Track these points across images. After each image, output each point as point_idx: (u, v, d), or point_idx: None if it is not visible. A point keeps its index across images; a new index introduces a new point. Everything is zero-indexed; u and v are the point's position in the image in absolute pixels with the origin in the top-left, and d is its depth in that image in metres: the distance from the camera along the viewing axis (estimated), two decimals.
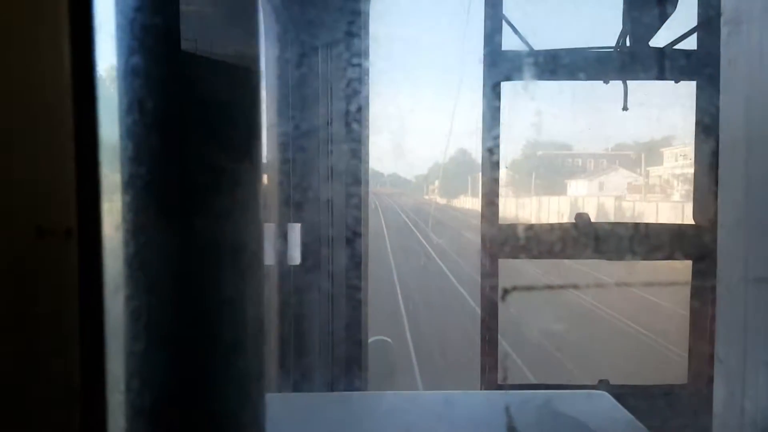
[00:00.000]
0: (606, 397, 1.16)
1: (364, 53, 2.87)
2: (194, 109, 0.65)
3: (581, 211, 2.74)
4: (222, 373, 0.67)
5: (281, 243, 2.92)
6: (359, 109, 2.95)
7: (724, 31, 0.85)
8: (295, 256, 2.91)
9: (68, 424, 0.54)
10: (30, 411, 0.52)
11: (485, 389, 2.71)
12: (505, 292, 2.62)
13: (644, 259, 2.69)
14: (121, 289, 0.58)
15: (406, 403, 1.18)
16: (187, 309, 0.66)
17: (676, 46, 2.68)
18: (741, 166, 0.80)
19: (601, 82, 2.73)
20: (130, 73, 0.60)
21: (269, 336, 2.93)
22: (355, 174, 2.98)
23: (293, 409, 1.11)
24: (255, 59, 0.67)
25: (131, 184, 0.62)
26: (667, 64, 2.61)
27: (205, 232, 0.66)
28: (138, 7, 0.62)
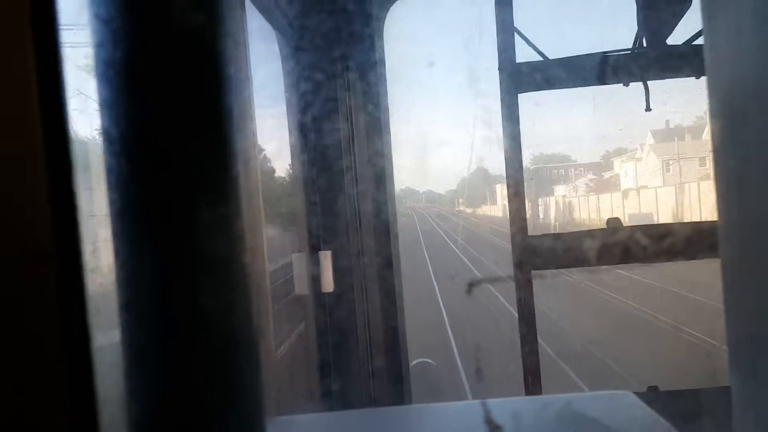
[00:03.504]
0: (631, 398, 1.12)
1: (380, 73, 2.91)
2: (173, 130, 0.67)
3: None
4: (208, 392, 0.68)
5: (314, 270, 2.95)
6: (382, 131, 2.98)
7: (703, 15, 0.83)
8: (328, 284, 2.93)
9: None
10: None
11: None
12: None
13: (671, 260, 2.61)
14: (102, 309, 0.60)
15: (423, 415, 1.17)
16: (171, 326, 0.67)
17: (695, 42, 2.63)
18: (732, 153, 0.78)
19: (621, 85, 2.69)
20: (104, 87, 0.63)
21: (269, 353, 2.94)
22: (382, 198, 3.00)
23: (313, 429, 1.11)
24: (241, 68, 0.69)
25: (112, 202, 0.64)
26: (686, 61, 2.56)
27: (190, 246, 0.68)
28: (114, 29, 0.66)
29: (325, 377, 3.06)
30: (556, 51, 2.67)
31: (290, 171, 3.17)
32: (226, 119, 0.72)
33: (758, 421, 0.73)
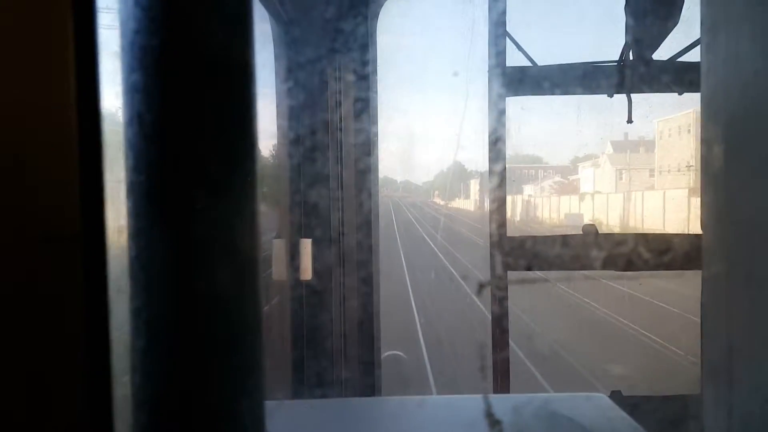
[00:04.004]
0: (605, 400, 1.17)
1: (372, 63, 2.93)
2: (191, 117, 0.69)
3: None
4: (219, 371, 0.70)
5: (293, 258, 2.96)
6: (368, 117, 3.00)
7: (703, 40, 0.87)
8: (307, 271, 2.95)
9: (77, 421, 0.58)
10: (36, 410, 0.56)
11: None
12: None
13: (653, 269, 2.69)
14: (123, 291, 0.62)
15: (405, 407, 1.20)
16: (186, 309, 0.69)
17: (680, 59, 2.71)
18: (722, 170, 0.82)
19: (605, 96, 2.76)
20: (130, 88, 0.65)
21: (277, 344, 2.96)
22: (365, 187, 3.02)
23: (296, 415, 1.14)
24: (250, 63, 0.71)
25: (132, 190, 0.66)
26: (671, 77, 2.63)
27: (202, 235, 0.70)
28: (137, 29, 0.67)
29: (298, 364, 3.09)
30: (546, 57, 2.72)
31: (275, 158, 3.17)
32: (239, 106, 0.73)
33: (732, 428, 0.78)
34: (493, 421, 1.08)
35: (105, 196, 0.59)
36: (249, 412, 0.73)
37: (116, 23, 0.66)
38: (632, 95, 2.80)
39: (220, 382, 0.69)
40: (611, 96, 2.80)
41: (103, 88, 0.59)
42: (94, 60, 0.58)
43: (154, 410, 0.67)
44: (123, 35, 0.66)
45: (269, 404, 0.76)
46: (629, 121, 2.84)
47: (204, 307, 0.69)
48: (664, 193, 24.11)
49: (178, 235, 0.68)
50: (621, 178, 34.90)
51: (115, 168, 0.63)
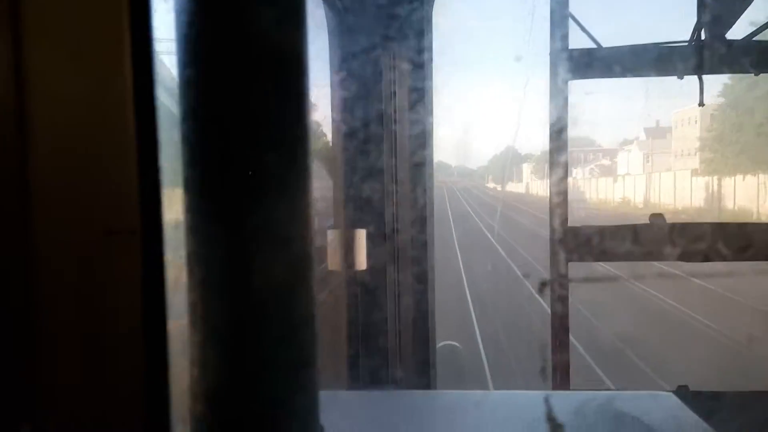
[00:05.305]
0: (673, 399, 1.11)
1: (428, 50, 2.88)
2: (245, 110, 0.69)
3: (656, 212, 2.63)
4: (274, 363, 0.70)
5: (347, 248, 2.98)
6: (424, 107, 2.96)
7: None
8: (362, 262, 2.95)
9: (134, 411, 0.59)
10: (98, 399, 0.57)
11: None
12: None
13: (727, 260, 2.55)
14: (180, 284, 0.63)
15: (465, 401, 1.18)
16: (241, 303, 0.70)
17: (756, 38, 2.54)
18: None
19: (675, 77, 2.62)
20: (185, 86, 0.65)
21: (332, 335, 2.98)
22: (420, 180, 2.99)
23: (350, 407, 1.13)
24: (303, 54, 0.70)
25: (188, 186, 0.66)
26: (747, 57, 2.47)
27: (257, 229, 0.69)
28: (191, 21, 0.67)
29: (353, 355, 3.11)
30: (611, 39, 2.61)
31: (330, 149, 3.18)
32: (293, 99, 0.72)
33: None
34: (552, 420, 1.04)
35: (162, 192, 0.60)
36: (303, 404, 0.73)
37: (171, 17, 0.67)
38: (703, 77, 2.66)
39: (275, 374, 0.69)
40: (681, 78, 2.67)
41: (157, 87, 0.59)
42: (149, 56, 0.59)
43: (211, 402, 0.67)
44: (177, 29, 0.66)
45: (323, 395, 0.76)
46: (701, 104, 2.70)
47: (259, 301, 0.69)
48: (674, 173, 31.32)
49: (233, 230, 0.68)
50: (648, 161, 40.66)
51: (172, 163, 0.63)
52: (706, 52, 2.50)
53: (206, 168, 0.66)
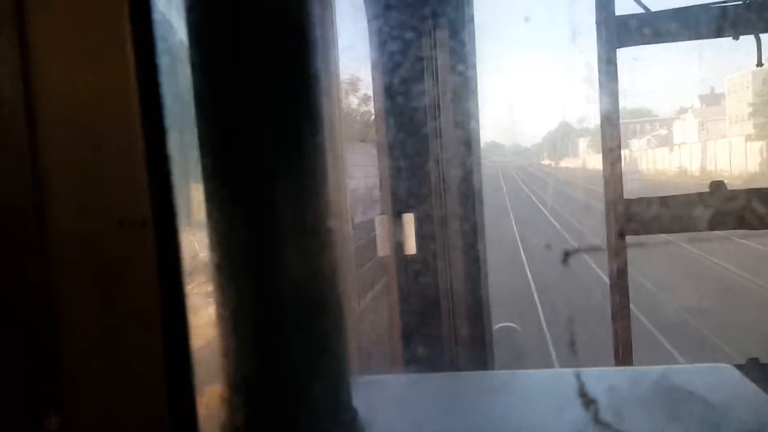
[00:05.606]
0: (733, 371, 1.05)
1: (469, 25, 2.81)
2: (265, 97, 0.68)
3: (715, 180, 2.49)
4: (302, 350, 0.70)
5: (397, 233, 2.96)
6: (471, 92, 2.90)
7: None
8: (411, 247, 2.93)
9: (156, 397, 0.59)
10: (118, 386, 0.58)
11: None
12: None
13: None
14: (197, 272, 0.62)
15: (511, 381, 1.15)
16: (267, 291, 0.69)
17: None
18: None
19: (730, 38, 2.46)
20: (195, 68, 0.64)
21: (353, 315, 2.98)
22: (468, 162, 2.94)
23: (384, 390, 1.12)
24: (312, 38, 0.68)
25: (208, 176, 0.66)
26: None
27: (278, 214, 0.68)
28: (201, 7, 0.66)
29: (407, 340, 3.10)
30: (659, 2, 2.47)
31: (376, 133, 3.16)
32: (313, 83, 0.71)
33: None
34: (587, 399, 1.00)
35: (173, 181, 0.60)
36: (333, 389, 0.72)
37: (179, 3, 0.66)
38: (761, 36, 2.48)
39: (302, 361, 0.69)
40: (737, 38, 2.50)
41: (163, 74, 0.59)
42: (152, 48, 0.58)
43: (240, 389, 0.67)
44: (187, 17, 0.65)
45: (373, 380, 0.75)
46: (759, 64, 2.52)
47: (285, 289, 0.69)
48: (729, 140, 31.10)
49: (254, 218, 0.67)
50: (703, 129, 41.16)
51: (183, 152, 0.63)
52: (761, 10, 2.33)
53: (225, 157, 0.66)
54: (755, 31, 2.45)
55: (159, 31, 0.57)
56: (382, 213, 3.02)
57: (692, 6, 2.55)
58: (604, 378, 1.24)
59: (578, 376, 0.95)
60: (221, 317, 0.67)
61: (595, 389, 1.02)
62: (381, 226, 3.01)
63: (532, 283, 10.31)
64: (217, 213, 0.67)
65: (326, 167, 0.73)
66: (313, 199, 0.71)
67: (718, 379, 1.04)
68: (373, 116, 3.07)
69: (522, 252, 12.42)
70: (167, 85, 0.59)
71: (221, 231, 0.67)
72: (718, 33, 2.42)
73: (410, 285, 2.99)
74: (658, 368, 1.19)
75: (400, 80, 2.92)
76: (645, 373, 1.22)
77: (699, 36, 2.48)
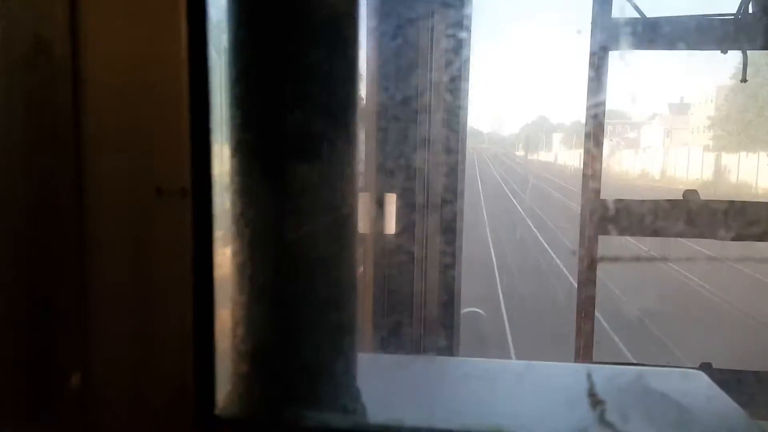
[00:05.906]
0: (702, 377, 1.11)
1: (466, 15, 2.82)
2: (295, 79, 0.68)
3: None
4: (316, 325, 0.72)
5: (377, 211, 2.98)
6: (461, 81, 2.91)
7: None
8: (390, 226, 2.96)
9: (181, 363, 0.61)
10: (147, 351, 0.59)
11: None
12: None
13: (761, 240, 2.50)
14: (228, 243, 0.64)
15: (492, 369, 1.19)
16: (286, 264, 0.71)
17: None
18: None
19: (719, 52, 2.53)
20: (237, 47, 0.65)
21: (363, 300, 3.01)
22: (453, 149, 2.97)
23: (382, 368, 1.15)
24: (354, 18, 0.69)
25: (238, 149, 0.67)
26: None
27: (303, 194, 0.70)
28: None
29: (378, 317, 3.14)
30: (655, 9, 2.52)
31: (362, 111, 3.16)
32: (343, 64, 0.72)
33: None
34: (578, 389, 1.05)
35: (212, 154, 0.61)
36: (343, 367, 0.74)
37: None
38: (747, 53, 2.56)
39: (317, 336, 0.71)
40: (725, 52, 2.57)
41: (210, 50, 0.60)
42: (203, 17, 0.59)
43: (254, 360, 0.69)
44: None
45: (360, 357, 0.78)
46: (743, 80, 2.60)
47: (304, 264, 0.70)
48: (689, 149, 33.95)
49: (280, 193, 0.68)
50: (668, 136, 43.96)
51: (222, 127, 0.64)
52: (751, 26, 2.40)
53: (256, 130, 0.67)
54: (743, 47, 2.52)
55: (211, 11, 0.58)
56: (364, 190, 3.03)
57: (686, 15, 2.60)
58: (570, 372, 1.29)
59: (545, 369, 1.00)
60: (240, 289, 0.68)
61: (562, 384, 1.07)
62: (362, 203, 3.03)
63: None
64: (246, 187, 0.68)
65: (357, 151, 0.74)
66: (342, 178, 0.72)
67: (689, 384, 1.09)
68: (363, 99, 3.06)
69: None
70: (213, 65, 0.59)
71: (248, 205, 0.68)
72: (709, 45, 2.48)
73: (387, 264, 3.02)
74: (632, 368, 1.25)
75: (391, 63, 2.92)
76: (619, 372, 1.27)
77: (690, 47, 2.54)
